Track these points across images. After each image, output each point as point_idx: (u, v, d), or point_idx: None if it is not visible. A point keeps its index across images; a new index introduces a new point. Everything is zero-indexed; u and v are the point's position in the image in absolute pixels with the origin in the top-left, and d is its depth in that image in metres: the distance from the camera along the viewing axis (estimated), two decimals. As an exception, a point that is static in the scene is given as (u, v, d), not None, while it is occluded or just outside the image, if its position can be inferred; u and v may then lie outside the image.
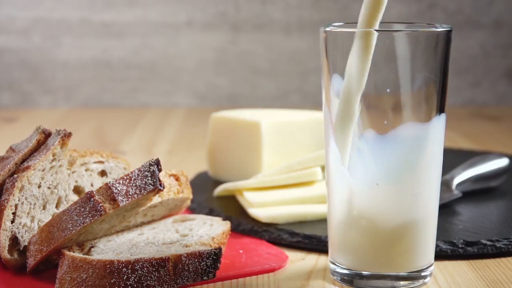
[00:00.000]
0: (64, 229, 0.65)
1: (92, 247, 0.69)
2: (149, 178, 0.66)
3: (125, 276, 0.63)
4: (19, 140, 0.80)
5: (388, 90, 0.64)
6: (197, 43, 1.63)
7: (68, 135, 0.72)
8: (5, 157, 0.74)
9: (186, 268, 0.64)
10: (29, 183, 0.70)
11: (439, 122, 0.65)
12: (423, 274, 0.68)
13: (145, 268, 0.63)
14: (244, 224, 0.81)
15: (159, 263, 0.64)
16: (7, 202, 0.69)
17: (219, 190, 0.90)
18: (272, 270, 0.71)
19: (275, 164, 0.92)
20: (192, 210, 0.87)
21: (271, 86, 1.65)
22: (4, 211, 0.69)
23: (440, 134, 0.66)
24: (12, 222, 0.70)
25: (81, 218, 0.65)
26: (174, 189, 0.74)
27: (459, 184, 0.88)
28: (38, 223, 0.71)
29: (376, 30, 0.63)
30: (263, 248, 0.76)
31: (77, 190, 0.75)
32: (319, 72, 0.68)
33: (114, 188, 0.65)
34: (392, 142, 0.64)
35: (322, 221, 0.80)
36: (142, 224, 0.77)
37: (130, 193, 0.65)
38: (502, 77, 1.65)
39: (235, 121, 0.95)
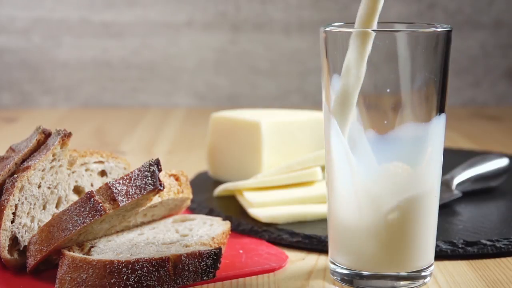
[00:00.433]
0: (64, 229, 0.65)
1: (92, 247, 0.69)
2: (149, 178, 0.66)
3: (125, 276, 0.63)
4: (19, 140, 0.80)
5: (388, 90, 0.64)
6: (197, 43, 1.63)
7: (68, 135, 0.72)
8: (5, 157, 0.74)
9: (186, 268, 0.64)
10: (29, 183, 0.70)
11: (439, 122, 0.65)
12: (423, 274, 0.67)
13: (145, 268, 0.63)
14: (244, 224, 0.81)
15: (159, 263, 0.64)
16: (7, 202, 0.69)
17: (219, 190, 0.90)
18: (272, 270, 0.71)
19: (275, 164, 0.92)
20: (192, 210, 0.87)
21: (271, 86, 1.65)
22: (4, 211, 0.69)
23: (440, 134, 0.66)
24: (12, 222, 0.70)
25: (81, 218, 0.65)
26: (174, 189, 0.74)
27: (459, 184, 0.88)
28: (38, 223, 0.71)
29: (376, 30, 0.63)
30: (263, 248, 0.76)
31: (77, 190, 0.75)
32: (319, 72, 0.68)
33: (114, 188, 0.65)
34: (392, 142, 0.64)
35: (322, 221, 0.80)
36: (142, 224, 0.77)
37: (130, 193, 0.65)
38: (502, 77, 1.65)
39: (235, 121, 0.95)
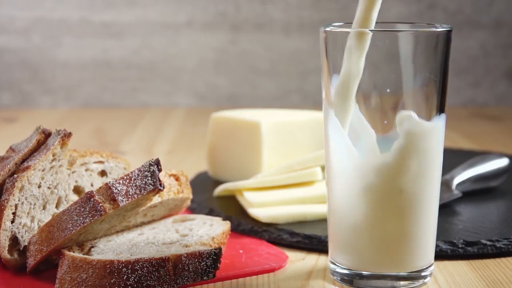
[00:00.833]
0: (64, 229, 0.65)
1: (92, 247, 0.69)
2: (149, 178, 0.66)
3: (125, 276, 0.63)
4: (19, 140, 0.80)
5: (388, 90, 0.64)
6: (197, 43, 1.63)
7: (68, 135, 0.72)
8: (5, 157, 0.74)
9: (186, 268, 0.64)
10: (29, 183, 0.70)
11: (439, 122, 0.65)
12: (423, 274, 0.67)
13: (145, 268, 0.63)
14: (244, 224, 0.81)
15: (159, 263, 0.64)
16: (7, 202, 0.69)
17: (219, 190, 0.90)
18: (272, 270, 0.71)
19: (275, 164, 0.92)
20: (192, 210, 0.87)
21: (271, 86, 1.65)
22: (4, 211, 0.69)
23: (440, 134, 0.66)
24: (12, 222, 0.70)
25: (81, 218, 0.65)
26: (174, 189, 0.74)
27: (459, 184, 0.88)
28: (38, 223, 0.71)
29: (376, 30, 0.63)
30: (263, 248, 0.76)
31: (77, 190, 0.75)
32: (319, 72, 0.68)
33: (114, 188, 0.65)
34: (392, 142, 0.64)
35: (322, 221, 0.80)
36: (142, 224, 0.77)
37: (130, 193, 0.65)
38: (502, 77, 1.65)
39: (235, 121, 0.95)
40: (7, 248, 0.69)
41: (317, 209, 0.82)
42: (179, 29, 1.62)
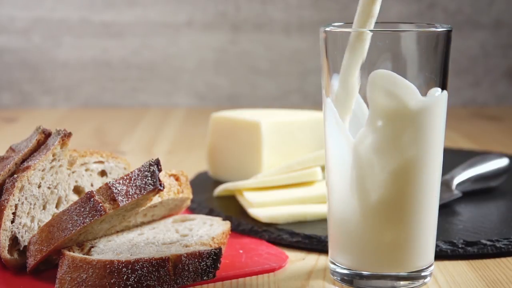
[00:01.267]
0: (64, 229, 0.65)
1: (92, 247, 0.69)
2: (149, 178, 0.66)
3: (125, 276, 0.63)
4: (19, 140, 0.80)
5: (388, 90, 0.64)
6: (197, 43, 1.63)
7: (68, 135, 0.72)
8: (5, 157, 0.74)
9: (186, 268, 0.64)
10: (29, 183, 0.70)
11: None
12: (423, 274, 0.67)
13: (145, 268, 0.63)
14: (244, 224, 0.81)
15: (159, 263, 0.64)
16: (7, 202, 0.69)
17: (219, 190, 0.90)
18: (272, 270, 0.71)
19: (275, 164, 0.92)
20: (192, 210, 0.87)
21: (271, 86, 1.65)
22: (4, 211, 0.69)
23: (440, 134, 0.66)
24: (12, 222, 0.70)
25: (81, 218, 0.65)
26: (174, 189, 0.74)
27: (459, 184, 0.88)
28: (38, 223, 0.71)
29: (376, 30, 0.63)
30: (263, 248, 0.76)
31: (77, 190, 0.75)
32: (319, 72, 0.68)
33: (114, 188, 0.65)
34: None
35: (322, 221, 0.80)
36: (142, 224, 0.77)
37: (130, 193, 0.65)
38: (502, 77, 1.65)
39: (235, 121, 0.95)
40: (7, 248, 0.69)
41: (317, 209, 0.82)
42: (179, 29, 1.63)
